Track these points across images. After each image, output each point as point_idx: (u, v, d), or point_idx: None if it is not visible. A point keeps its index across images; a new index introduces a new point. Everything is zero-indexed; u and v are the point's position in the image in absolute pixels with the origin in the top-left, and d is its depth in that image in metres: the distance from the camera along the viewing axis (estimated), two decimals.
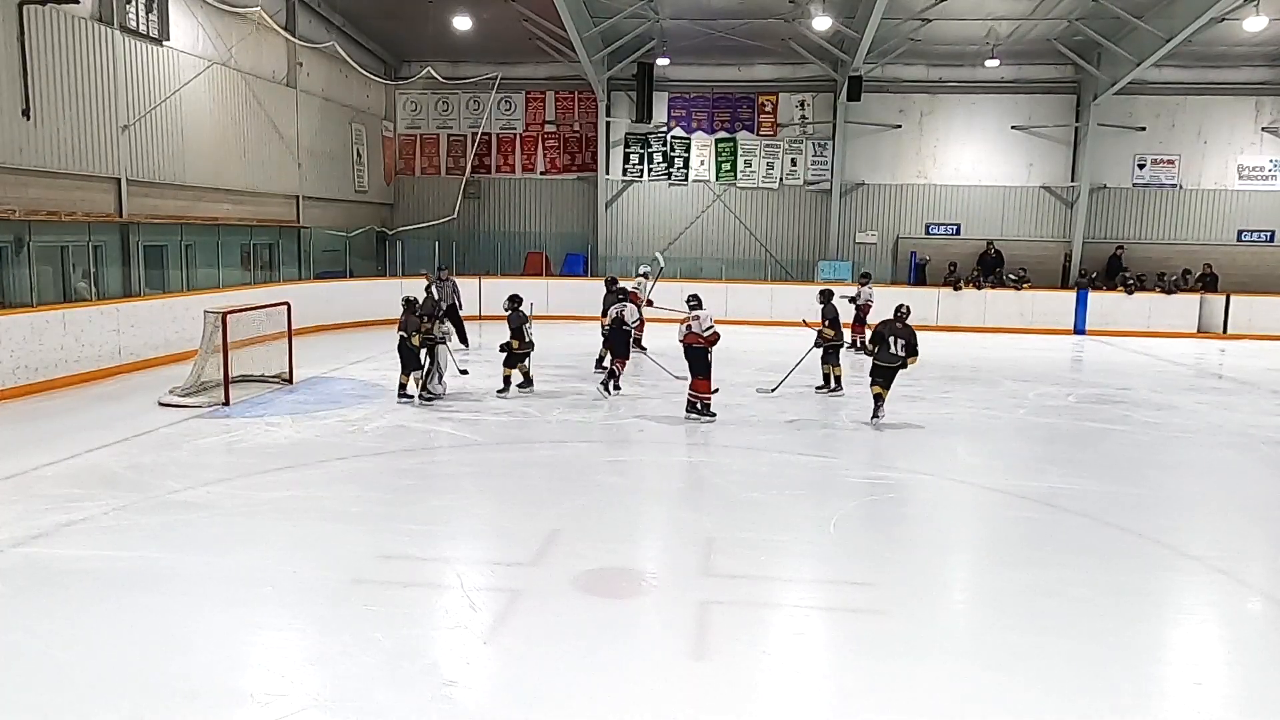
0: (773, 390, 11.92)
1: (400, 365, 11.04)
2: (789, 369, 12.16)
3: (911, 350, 10.13)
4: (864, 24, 18.47)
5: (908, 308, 10.43)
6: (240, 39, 16.81)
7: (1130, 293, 20.77)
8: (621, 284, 14.29)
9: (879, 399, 10.35)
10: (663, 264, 17.05)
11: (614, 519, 7.01)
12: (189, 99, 15.51)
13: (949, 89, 22.62)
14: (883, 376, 10.33)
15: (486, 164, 24.08)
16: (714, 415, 10.42)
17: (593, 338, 18.02)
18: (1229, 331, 20.33)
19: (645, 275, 15.96)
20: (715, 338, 10.39)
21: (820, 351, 12.13)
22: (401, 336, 10.92)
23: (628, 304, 12.75)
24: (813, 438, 10.04)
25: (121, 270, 14.19)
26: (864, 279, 17.40)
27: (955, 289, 21.07)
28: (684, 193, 23.54)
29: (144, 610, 5.11)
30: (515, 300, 11.62)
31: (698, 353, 10.35)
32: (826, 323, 12.02)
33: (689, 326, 10.42)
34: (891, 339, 10.17)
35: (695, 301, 10.92)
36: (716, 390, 10.64)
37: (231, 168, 16.92)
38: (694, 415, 10.45)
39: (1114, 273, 21.61)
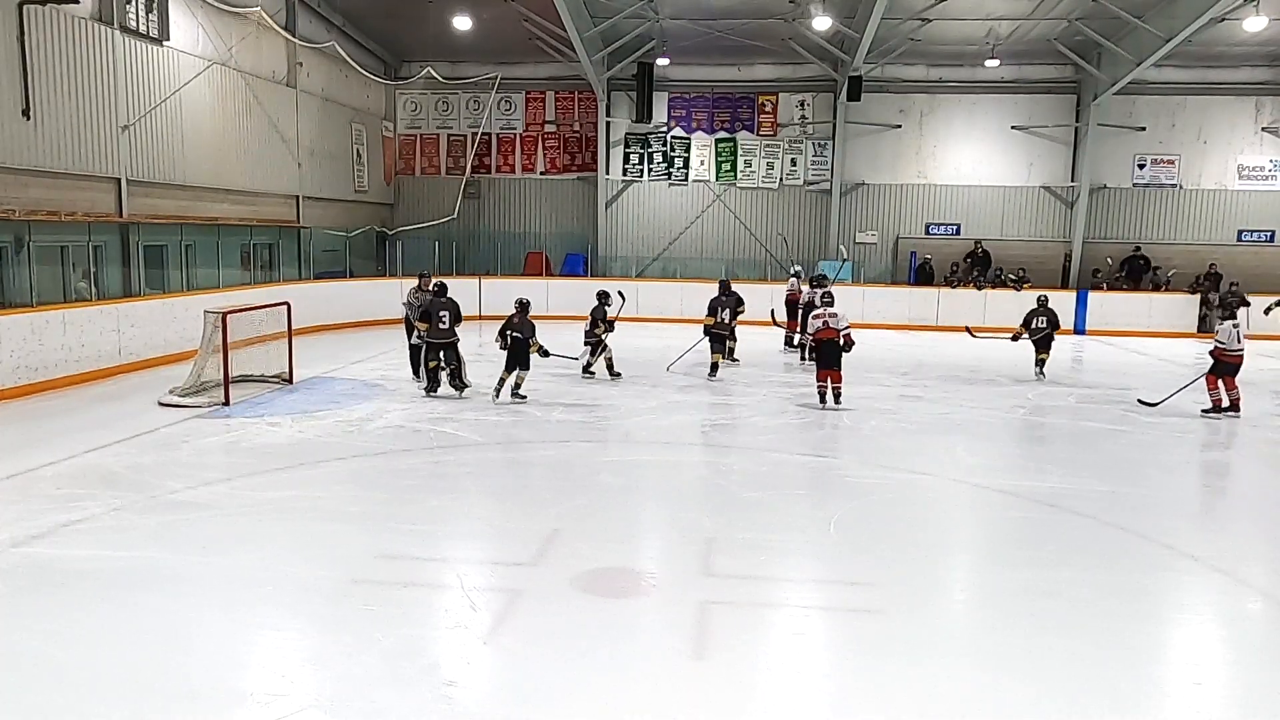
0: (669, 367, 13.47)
1: (505, 363, 11.20)
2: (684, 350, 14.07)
3: (1055, 324, 13.86)
4: (864, 24, 18.46)
5: (1046, 296, 14.43)
6: (240, 39, 16.81)
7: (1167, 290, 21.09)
8: (797, 276, 16.55)
9: (1041, 362, 14.00)
10: (845, 256, 17.90)
11: (614, 519, 7.01)
12: (189, 99, 15.51)
13: (949, 89, 22.61)
14: (1037, 346, 13.99)
15: (486, 164, 24.08)
16: (840, 403, 11.17)
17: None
18: None
19: (797, 275, 16.92)
20: (850, 340, 11.22)
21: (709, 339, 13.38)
22: (516, 338, 11.03)
23: (817, 289, 14.97)
24: (813, 438, 10.04)
25: (121, 270, 14.19)
26: (795, 275, 17.78)
27: (952, 288, 21.10)
28: (684, 193, 23.54)
29: (144, 610, 5.11)
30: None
31: (833, 345, 11.14)
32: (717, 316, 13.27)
33: (825, 321, 11.18)
34: (1035, 318, 13.92)
35: (830, 298, 11.82)
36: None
37: (231, 168, 16.92)
38: (823, 404, 11.16)
39: (1137, 274, 21.61)
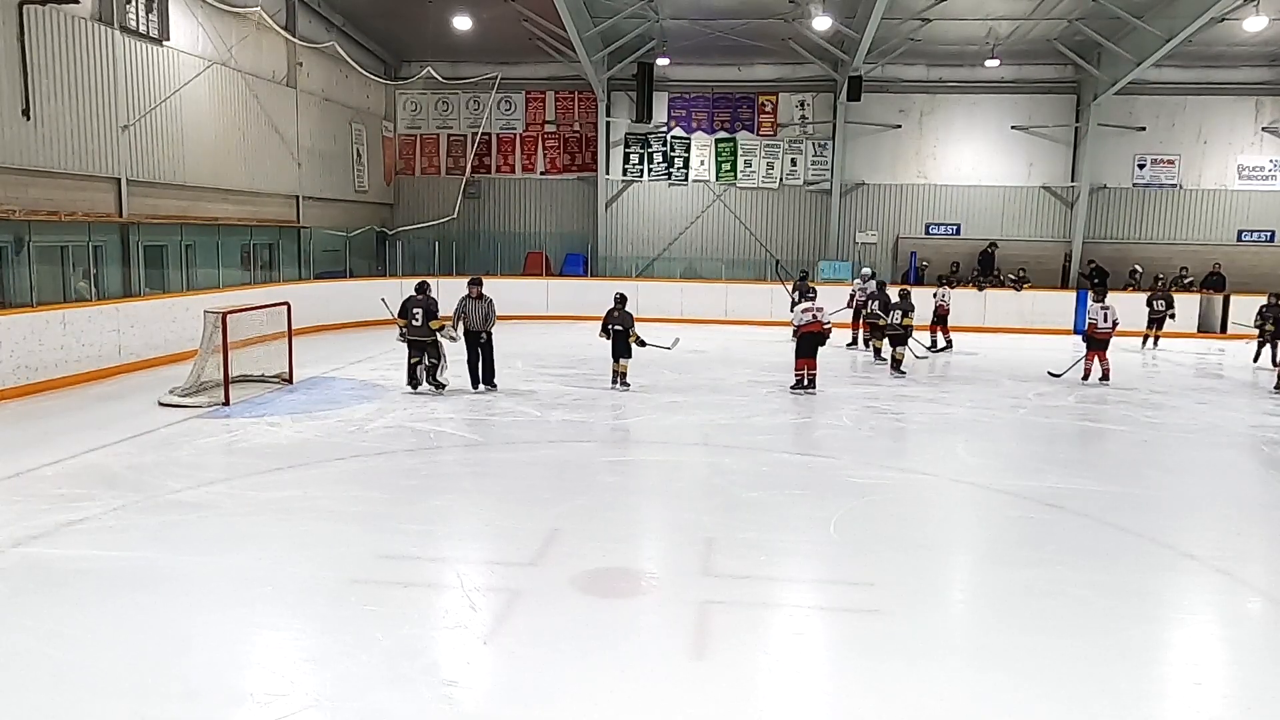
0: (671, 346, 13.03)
1: (611, 354, 12.02)
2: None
3: (1170, 305, 17.05)
4: (864, 24, 18.47)
5: (1166, 283, 18.54)
6: (240, 39, 16.81)
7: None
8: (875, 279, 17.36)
9: (1158, 339, 18.02)
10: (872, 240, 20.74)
11: (614, 519, 7.00)
12: (189, 99, 15.51)
13: (949, 89, 22.62)
14: (1153, 325, 17.90)
15: (486, 164, 24.09)
16: (815, 389, 12.22)
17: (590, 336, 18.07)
18: (1229, 332, 20.33)
19: (862, 276, 17.82)
20: (827, 334, 12.39)
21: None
22: (617, 331, 11.78)
23: (943, 289, 17.71)
24: (813, 438, 10.04)
25: (121, 270, 14.19)
26: (862, 276, 18.19)
27: (951, 287, 21.09)
28: (684, 193, 23.54)
29: (144, 610, 5.10)
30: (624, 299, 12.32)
31: (816, 338, 12.20)
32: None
33: (814, 315, 12.17)
34: (1155, 302, 17.56)
35: (813, 293, 12.95)
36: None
37: (231, 168, 16.92)
38: (800, 390, 12.14)
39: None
